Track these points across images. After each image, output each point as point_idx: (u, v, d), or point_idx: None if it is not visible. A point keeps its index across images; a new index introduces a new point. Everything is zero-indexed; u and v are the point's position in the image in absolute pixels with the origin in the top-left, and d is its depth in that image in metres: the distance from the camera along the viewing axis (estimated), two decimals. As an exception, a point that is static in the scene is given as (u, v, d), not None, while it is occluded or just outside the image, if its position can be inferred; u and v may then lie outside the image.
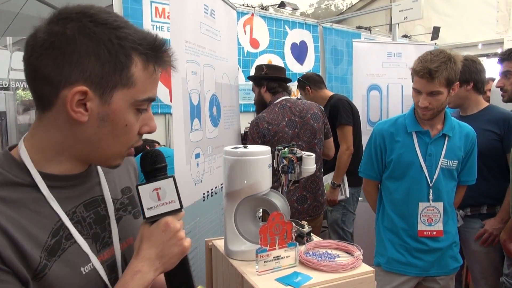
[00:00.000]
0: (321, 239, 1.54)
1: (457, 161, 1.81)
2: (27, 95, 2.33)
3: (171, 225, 0.75)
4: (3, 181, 0.69)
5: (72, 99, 0.68)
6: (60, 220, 0.72)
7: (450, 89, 1.71)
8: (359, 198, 3.09)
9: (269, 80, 2.47)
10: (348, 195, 2.85)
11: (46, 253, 0.69)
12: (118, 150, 0.75)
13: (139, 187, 0.75)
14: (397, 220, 1.84)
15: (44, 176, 0.72)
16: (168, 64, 0.74)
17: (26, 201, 0.69)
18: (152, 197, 0.75)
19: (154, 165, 0.78)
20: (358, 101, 3.45)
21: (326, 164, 2.93)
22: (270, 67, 2.53)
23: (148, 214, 0.75)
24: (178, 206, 0.77)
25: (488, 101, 2.31)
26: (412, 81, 1.76)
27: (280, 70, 2.51)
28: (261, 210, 1.51)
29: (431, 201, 1.78)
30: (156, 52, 0.71)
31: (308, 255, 1.35)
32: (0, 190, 0.67)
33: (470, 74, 2.12)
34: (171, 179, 0.77)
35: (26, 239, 0.66)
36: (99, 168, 0.84)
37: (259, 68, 2.52)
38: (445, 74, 1.65)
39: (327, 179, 2.93)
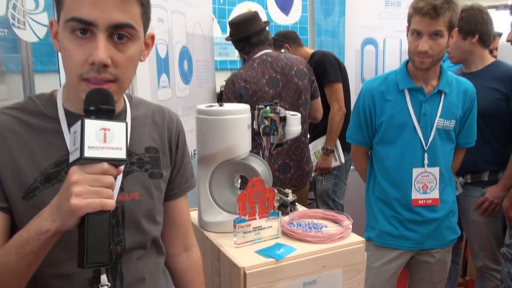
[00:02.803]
0: (306, 209, 1.58)
1: (454, 121, 1.85)
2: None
3: (68, 175, 0.75)
4: (35, 110, 0.90)
5: (51, 31, 0.86)
6: (68, 155, 0.83)
7: (449, 35, 1.74)
8: (351, 167, 3.15)
9: (235, 43, 2.44)
10: (343, 161, 2.89)
11: (43, 177, 0.86)
12: (71, 79, 0.85)
13: (86, 120, 0.75)
14: (389, 189, 1.90)
15: (66, 112, 0.90)
16: None
17: (44, 130, 0.88)
18: (98, 136, 0.75)
19: (101, 104, 0.79)
20: (351, 57, 3.45)
21: (316, 128, 2.95)
22: (233, 25, 2.43)
23: (88, 153, 0.74)
24: (123, 156, 0.77)
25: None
26: (409, 24, 1.77)
27: (243, 24, 2.38)
28: (239, 177, 1.53)
29: (426, 166, 1.83)
30: None
31: (292, 225, 1.39)
32: (28, 116, 0.89)
33: (475, 24, 2.14)
34: (124, 124, 0.79)
35: (27, 161, 0.86)
36: (128, 118, 0.98)
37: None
38: (448, 14, 1.69)
39: (317, 145, 2.95)
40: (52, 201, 0.77)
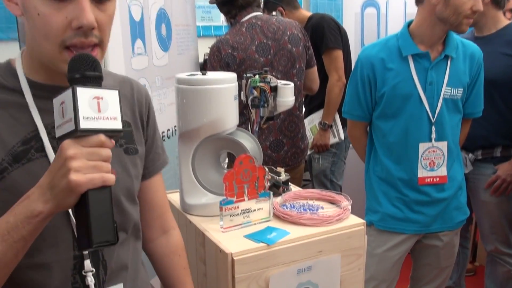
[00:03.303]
0: (301, 189, 1.58)
1: (462, 89, 1.86)
2: None
3: (62, 150, 0.74)
4: None
5: None
6: (36, 131, 0.86)
7: None
8: (351, 145, 3.15)
9: (220, 6, 2.41)
10: (342, 137, 2.90)
11: (11, 157, 0.85)
12: (50, 48, 0.83)
13: (78, 88, 0.75)
14: (392, 167, 1.91)
15: (31, 83, 0.89)
16: None
17: (7, 105, 0.87)
18: (92, 106, 0.75)
19: (87, 71, 0.78)
20: (350, 21, 3.43)
21: (313, 101, 2.94)
22: None
23: (83, 124, 0.74)
24: (120, 126, 0.78)
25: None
26: None
27: None
28: (226, 154, 1.52)
29: (433, 141, 1.85)
30: None
31: (285, 207, 1.39)
32: None
33: None
34: (117, 92, 0.79)
35: None
36: None
37: None
38: None
39: (314, 119, 2.95)
40: (41, 180, 0.77)
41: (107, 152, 0.77)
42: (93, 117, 0.75)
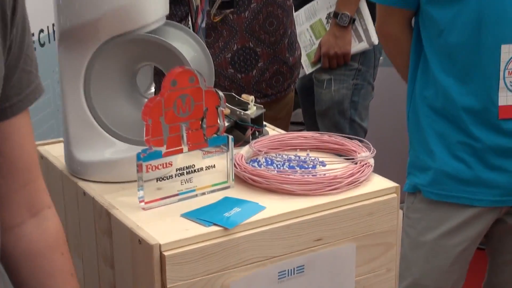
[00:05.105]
0: (285, 132, 1.59)
1: None
2: None
3: None
4: None
5: None
6: None
7: None
8: (380, 58, 3.15)
9: None
10: (375, 41, 2.92)
11: None
12: None
13: None
14: (455, 89, 1.93)
15: None
16: None
17: None
18: None
19: None
20: None
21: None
22: None
23: None
24: None
25: None
26: None
27: None
28: (150, 73, 1.52)
29: None
30: None
31: (256, 163, 1.41)
32: None
33: None
34: None
35: None
36: None
37: None
38: None
39: (318, 9, 2.97)
40: None
41: None
42: None
